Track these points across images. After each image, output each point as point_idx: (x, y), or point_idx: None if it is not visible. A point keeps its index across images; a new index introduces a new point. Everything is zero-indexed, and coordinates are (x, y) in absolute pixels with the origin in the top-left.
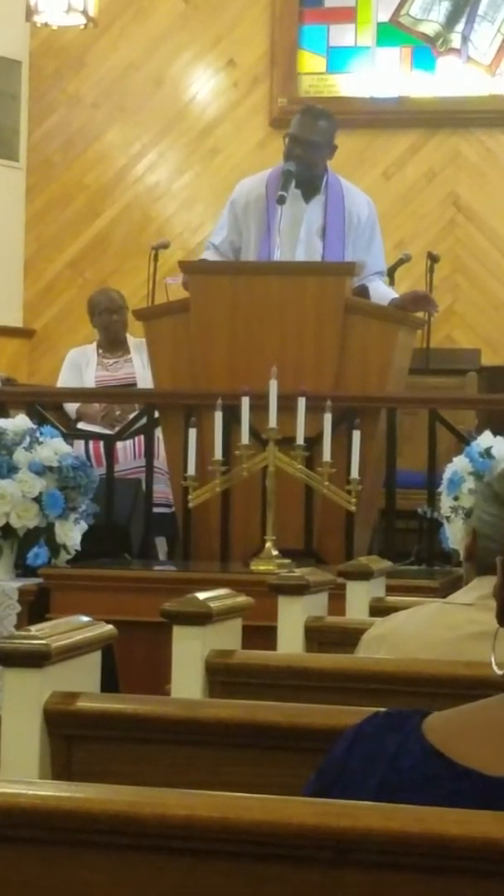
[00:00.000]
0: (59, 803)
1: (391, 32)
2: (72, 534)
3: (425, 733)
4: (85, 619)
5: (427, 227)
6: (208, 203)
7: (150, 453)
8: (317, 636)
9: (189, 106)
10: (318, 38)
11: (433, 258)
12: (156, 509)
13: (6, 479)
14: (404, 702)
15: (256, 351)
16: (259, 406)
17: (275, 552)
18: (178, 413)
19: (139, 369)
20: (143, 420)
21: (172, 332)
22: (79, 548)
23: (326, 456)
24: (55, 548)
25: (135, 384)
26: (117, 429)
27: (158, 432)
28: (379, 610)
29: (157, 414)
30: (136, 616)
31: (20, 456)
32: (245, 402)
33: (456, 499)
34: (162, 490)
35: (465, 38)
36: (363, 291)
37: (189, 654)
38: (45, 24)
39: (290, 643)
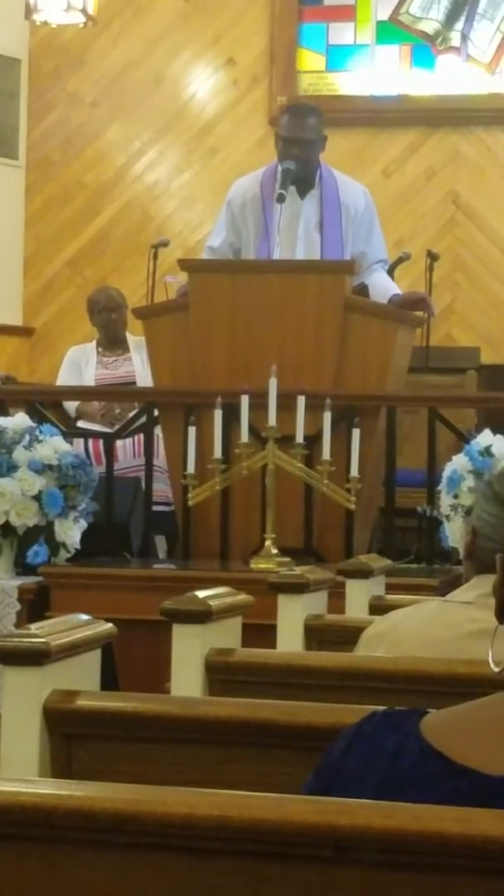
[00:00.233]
0: (59, 802)
1: (391, 31)
2: (71, 532)
3: (424, 732)
4: (84, 617)
5: (426, 225)
6: (208, 201)
7: (149, 452)
8: (316, 634)
9: (188, 104)
10: (318, 37)
11: (433, 256)
12: (155, 508)
13: (6, 478)
14: (404, 700)
15: (256, 349)
16: (259, 404)
17: (274, 550)
18: (177, 411)
19: (139, 368)
20: (143, 418)
21: (172, 331)
22: (78, 546)
23: (326, 454)
24: (55, 546)
25: (134, 383)
26: (117, 427)
27: (158, 431)
28: (378, 608)
29: (156, 412)
30: (136, 614)
31: (20, 454)
32: (245, 400)
33: (455, 497)
34: (161, 488)
35: (464, 37)
36: (363, 290)
37: (189, 653)
38: (45, 23)
39: (289, 641)
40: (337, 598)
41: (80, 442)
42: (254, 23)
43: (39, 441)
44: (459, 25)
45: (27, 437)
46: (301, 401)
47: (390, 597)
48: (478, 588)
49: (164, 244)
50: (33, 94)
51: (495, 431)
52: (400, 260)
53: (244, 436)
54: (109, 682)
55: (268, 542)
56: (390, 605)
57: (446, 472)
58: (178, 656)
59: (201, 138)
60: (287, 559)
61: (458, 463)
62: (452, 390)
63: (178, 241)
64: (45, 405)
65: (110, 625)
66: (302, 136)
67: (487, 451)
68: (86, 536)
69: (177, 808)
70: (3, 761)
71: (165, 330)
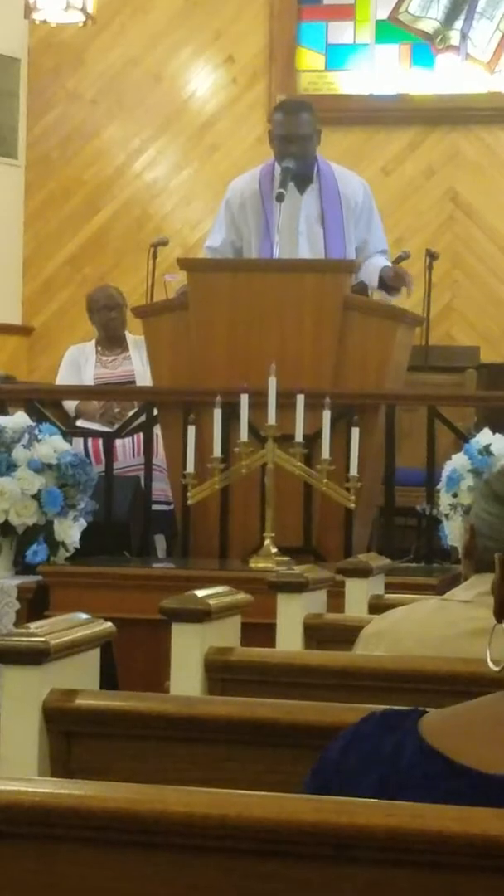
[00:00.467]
0: (58, 800)
1: (390, 30)
2: (71, 531)
3: (422, 732)
4: (84, 616)
5: (426, 223)
6: (207, 199)
7: (148, 451)
8: (316, 633)
9: (188, 102)
10: (317, 35)
11: (432, 255)
12: (155, 507)
13: (5, 477)
14: (403, 699)
15: (255, 348)
16: (258, 403)
17: (274, 549)
18: (177, 410)
19: (138, 366)
20: (142, 417)
21: (171, 330)
22: (78, 545)
23: (325, 453)
24: (54, 545)
25: (134, 381)
26: (116, 426)
27: (157, 430)
28: (378, 607)
29: (155, 411)
30: (135, 613)
31: (19, 453)
32: (244, 399)
33: (455, 496)
34: (161, 487)
35: (463, 36)
36: (362, 289)
37: (188, 652)
38: (44, 22)
39: (288, 640)
40: (336, 597)
41: (79, 441)
42: (253, 21)
43: (39, 440)
44: (459, 24)
45: (26, 437)
46: (300, 399)
47: (390, 596)
48: (477, 587)
49: (164, 243)
50: (32, 92)
51: (495, 430)
52: (399, 259)
53: (243, 435)
54: (109, 681)
55: (267, 541)
56: (389, 603)
57: (445, 470)
58: (178, 655)
59: (200, 136)
60: (286, 558)
61: (458, 462)
62: (452, 389)
63: (177, 238)
64: (45, 404)
65: (109, 624)
66: (297, 132)
67: (487, 450)
68: (85, 535)
69: (176, 807)
70: (3, 760)
71: (165, 329)
